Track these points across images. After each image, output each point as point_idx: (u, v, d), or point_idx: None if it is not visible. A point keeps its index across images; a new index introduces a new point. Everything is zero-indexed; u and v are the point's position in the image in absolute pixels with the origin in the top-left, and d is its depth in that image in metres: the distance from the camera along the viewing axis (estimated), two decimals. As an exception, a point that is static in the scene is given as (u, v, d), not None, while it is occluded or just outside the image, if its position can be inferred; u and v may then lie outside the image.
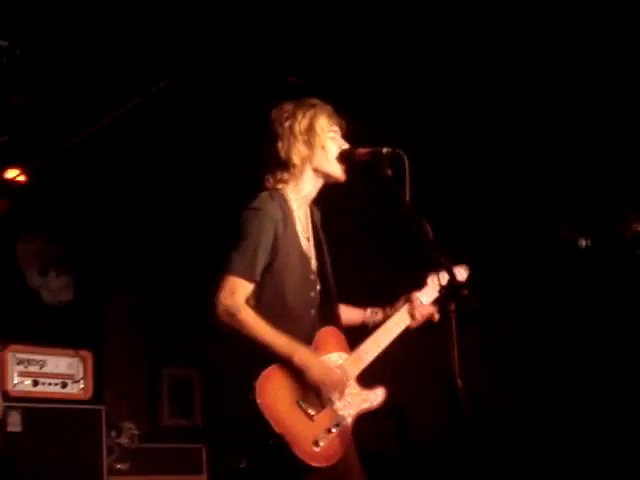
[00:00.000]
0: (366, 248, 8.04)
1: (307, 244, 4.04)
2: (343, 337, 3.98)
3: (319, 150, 4.00)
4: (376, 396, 3.96)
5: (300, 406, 3.70)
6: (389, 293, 4.26)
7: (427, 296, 4.18)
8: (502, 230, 7.59)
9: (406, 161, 3.71)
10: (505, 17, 5.80)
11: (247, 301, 3.79)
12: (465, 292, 3.46)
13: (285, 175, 4.00)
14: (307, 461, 3.61)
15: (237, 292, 3.76)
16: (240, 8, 5.55)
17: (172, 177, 7.58)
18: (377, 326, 4.13)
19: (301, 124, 3.99)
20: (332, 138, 4.04)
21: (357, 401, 3.89)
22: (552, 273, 7.23)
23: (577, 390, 7.36)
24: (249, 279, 3.80)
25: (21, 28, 5.62)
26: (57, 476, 6.46)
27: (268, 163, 4.03)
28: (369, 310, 4.25)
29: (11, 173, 7.40)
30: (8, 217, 7.84)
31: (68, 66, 6.03)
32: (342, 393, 3.81)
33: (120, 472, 7.06)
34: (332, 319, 4.01)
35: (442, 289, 3.51)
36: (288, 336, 3.73)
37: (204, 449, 7.50)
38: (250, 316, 3.74)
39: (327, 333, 3.93)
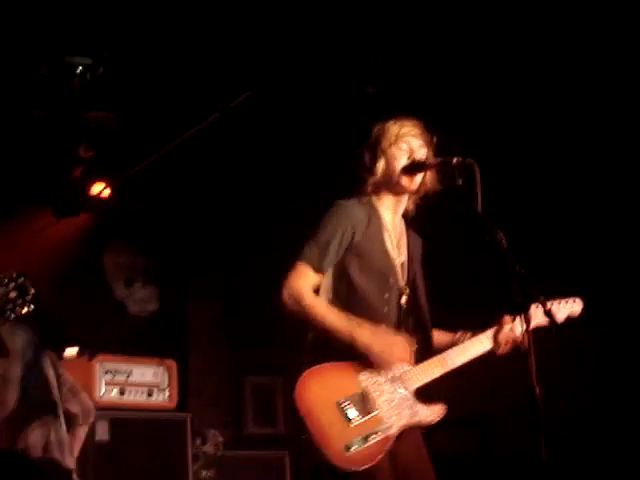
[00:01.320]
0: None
1: (396, 251, 4.05)
2: (410, 348, 3.91)
3: (390, 160, 4.00)
4: (431, 413, 3.87)
5: (340, 407, 3.68)
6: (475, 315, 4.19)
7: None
8: (581, 237, 7.50)
9: (477, 170, 3.70)
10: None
11: (319, 293, 3.85)
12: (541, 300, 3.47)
13: (373, 183, 4.03)
14: (334, 462, 3.60)
15: (302, 279, 3.83)
16: (314, 20, 5.61)
17: (253, 189, 7.66)
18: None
19: (387, 139, 3.99)
20: (403, 150, 4.01)
21: (408, 414, 3.81)
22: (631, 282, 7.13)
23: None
24: (316, 269, 3.85)
25: (104, 45, 5.75)
26: (144, 483, 6.56)
27: (361, 170, 4.06)
28: (459, 334, 4.14)
29: (97, 188, 7.54)
30: (95, 230, 7.99)
31: (149, 81, 6.15)
32: (403, 364, 3.80)
33: (206, 479, 7.15)
34: (410, 329, 3.99)
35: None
36: (350, 316, 3.76)
37: (287, 456, 7.55)
38: (315, 302, 3.81)
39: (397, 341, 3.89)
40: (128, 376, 6.94)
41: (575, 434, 7.34)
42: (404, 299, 4.01)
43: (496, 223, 3.58)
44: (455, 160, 3.81)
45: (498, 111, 6.86)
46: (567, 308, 4.15)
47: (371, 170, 4.02)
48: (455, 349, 3.99)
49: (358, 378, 3.79)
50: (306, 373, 3.74)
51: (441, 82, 6.44)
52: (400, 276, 4.02)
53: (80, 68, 5.70)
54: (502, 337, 4.00)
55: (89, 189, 7.53)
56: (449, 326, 4.19)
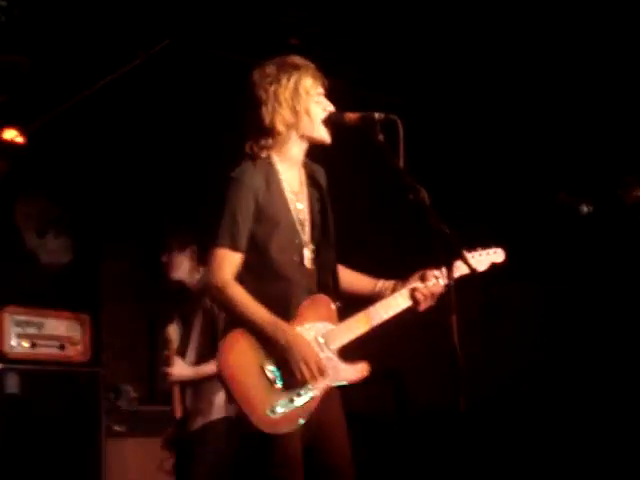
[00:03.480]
0: (365, 216, 8.01)
1: (299, 208, 3.95)
2: (333, 306, 3.86)
3: (304, 115, 3.87)
4: (355, 372, 3.82)
5: (263, 371, 3.64)
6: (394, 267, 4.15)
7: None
8: (502, 195, 7.55)
9: (400, 127, 3.62)
10: None
11: (238, 271, 3.77)
12: (465, 258, 3.44)
13: (270, 141, 3.88)
14: (259, 426, 3.56)
15: (225, 265, 3.73)
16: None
17: (170, 139, 7.54)
18: (376, 300, 3.95)
19: (286, 89, 3.84)
20: (317, 102, 3.91)
21: (332, 374, 3.75)
22: (553, 239, 7.20)
23: (576, 360, 7.35)
24: (234, 249, 3.75)
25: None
26: (55, 438, 6.47)
27: (251, 129, 3.91)
28: (381, 282, 4.06)
29: (9, 134, 7.35)
30: (6, 178, 7.80)
31: (67, 27, 5.99)
32: (321, 374, 3.68)
33: (118, 434, 7.08)
34: (326, 286, 3.92)
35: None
36: (272, 314, 3.68)
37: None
38: (237, 292, 3.70)
39: (315, 301, 3.85)
40: (40, 328, 6.85)
41: (493, 388, 7.42)
42: (311, 256, 3.92)
43: (418, 180, 3.52)
44: (377, 115, 3.73)
45: (419, 66, 6.83)
46: (489, 257, 4.11)
47: (271, 128, 3.85)
48: (378, 305, 3.90)
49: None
50: (227, 337, 3.68)
51: (364, 35, 6.36)
52: (305, 233, 3.93)
53: (-6, 9, 5.53)
54: (423, 292, 3.91)
55: (0, 135, 7.33)
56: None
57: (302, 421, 3.65)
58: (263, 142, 3.88)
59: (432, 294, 3.92)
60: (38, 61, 6.34)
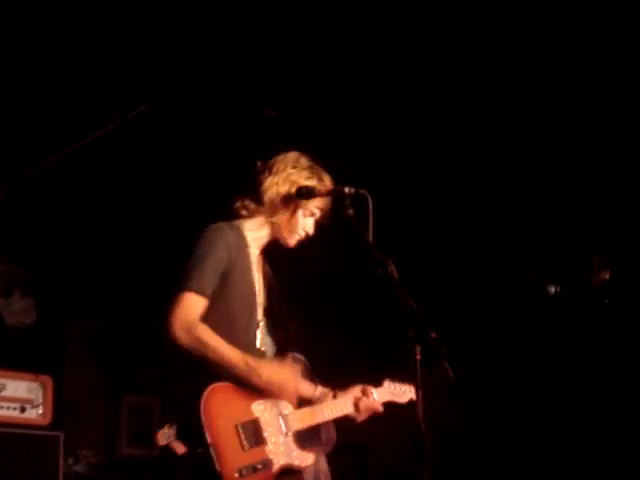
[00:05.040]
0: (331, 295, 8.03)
1: (258, 285, 4.02)
2: (296, 391, 3.96)
3: (289, 215, 3.98)
4: (305, 460, 3.90)
5: (237, 431, 3.66)
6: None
7: (381, 395, 4.27)
8: (471, 273, 7.58)
9: (370, 201, 3.67)
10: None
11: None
12: (433, 335, 3.45)
13: (252, 206, 3.99)
14: None
15: (192, 308, 3.73)
16: (218, 38, 5.55)
17: (137, 204, 7.53)
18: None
19: (293, 186, 3.95)
20: (307, 215, 4.02)
21: (287, 455, 3.81)
22: (520, 318, 7.23)
23: (541, 437, 7.35)
24: (203, 295, 3.76)
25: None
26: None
27: (244, 191, 4.03)
28: (319, 389, 4.21)
29: (-24, 195, 7.32)
30: (-27, 237, 7.76)
31: (41, 88, 5.99)
32: (288, 405, 3.85)
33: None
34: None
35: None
36: (245, 354, 3.73)
37: (161, 480, 7.41)
38: (207, 332, 3.71)
39: None
40: (1, 390, 6.74)
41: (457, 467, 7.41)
42: (261, 337, 3.97)
43: (387, 255, 3.55)
44: (347, 190, 3.78)
45: (392, 143, 6.89)
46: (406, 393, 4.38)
47: (259, 199, 3.98)
48: (325, 405, 4.11)
49: (253, 406, 3.77)
50: (211, 388, 3.66)
51: (337, 107, 6.42)
52: (259, 314, 3.99)
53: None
54: (366, 403, 4.17)
55: (-31, 195, 7.31)
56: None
57: None
58: (248, 204, 4.01)
59: (371, 409, 4.19)
60: (8, 122, 6.33)
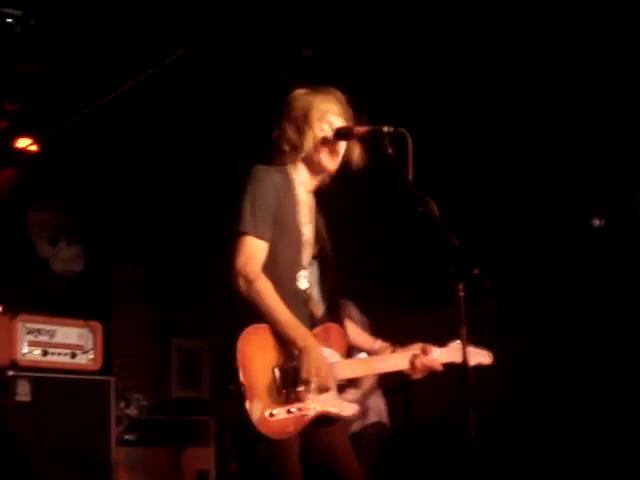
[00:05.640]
0: (373, 235, 8.02)
1: (305, 230, 3.98)
2: (345, 339, 3.95)
3: (308, 139, 3.93)
4: (346, 408, 3.89)
5: (274, 373, 3.66)
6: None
7: (444, 355, 4.05)
8: (515, 209, 7.53)
9: (409, 140, 3.62)
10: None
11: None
12: (476, 271, 3.44)
13: (286, 157, 3.97)
14: (255, 422, 3.58)
15: (254, 255, 3.75)
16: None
17: (183, 147, 7.55)
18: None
19: (307, 114, 3.92)
20: (324, 130, 3.95)
21: (327, 403, 3.80)
22: (565, 252, 7.19)
23: (588, 374, 7.32)
24: (262, 238, 3.77)
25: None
26: (65, 446, 6.47)
27: (275, 143, 4.00)
28: (379, 343, 4.15)
29: (23, 142, 7.37)
30: (19, 187, 7.83)
31: (81, 36, 6.00)
32: (325, 390, 3.75)
33: (128, 443, 7.09)
34: (332, 314, 3.98)
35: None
36: (297, 319, 3.73)
37: (212, 421, 7.51)
38: (266, 287, 3.72)
39: (332, 330, 3.92)
40: (51, 337, 6.85)
41: (503, 402, 7.43)
42: (306, 280, 3.94)
43: (428, 193, 3.53)
44: (386, 129, 3.73)
45: (430, 82, 6.82)
46: (477, 356, 4.13)
47: (293, 143, 3.94)
48: (380, 358, 4.03)
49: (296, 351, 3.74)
50: (250, 328, 3.68)
51: (376, 49, 6.36)
52: (305, 256, 3.96)
53: (10, 19, 5.54)
54: (423, 361, 4.00)
55: (14, 143, 7.35)
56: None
57: (293, 432, 3.68)
58: (281, 156, 3.98)
59: (429, 367, 4.01)
60: (52, 70, 6.36)
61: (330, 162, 3.97)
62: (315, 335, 3.80)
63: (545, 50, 6.30)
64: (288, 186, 3.93)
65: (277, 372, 3.66)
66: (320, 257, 4.03)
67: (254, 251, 3.75)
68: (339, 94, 4.04)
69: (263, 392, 3.62)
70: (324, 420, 3.81)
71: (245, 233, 3.76)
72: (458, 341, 3.62)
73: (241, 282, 3.71)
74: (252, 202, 3.80)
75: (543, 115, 6.99)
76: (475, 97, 6.92)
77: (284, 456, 3.67)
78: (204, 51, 6.13)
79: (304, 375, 3.67)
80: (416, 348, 4.04)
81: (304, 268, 3.93)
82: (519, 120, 7.07)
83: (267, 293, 3.71)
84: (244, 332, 3.65)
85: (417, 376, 4.02)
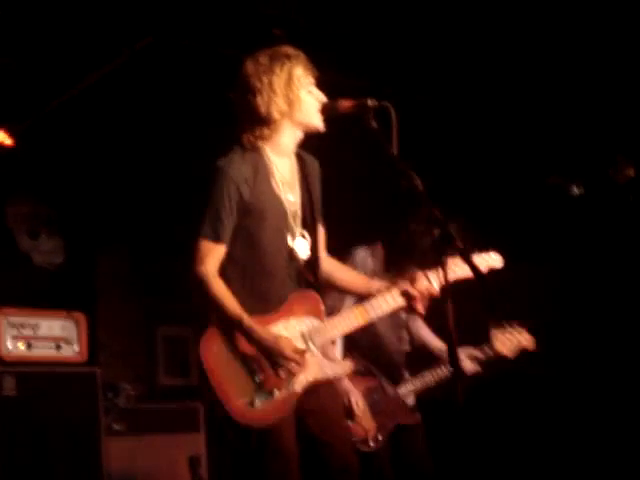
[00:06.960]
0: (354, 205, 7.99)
1: (290, 199, 3.95)
2: (320, 302, 3.89)
3: (298, 103, 3.89)
4: (338, 367, 3.90)
5: (245, 360, 3.66)
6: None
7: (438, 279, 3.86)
8: (493, 177, 7.53)
9: (393, 113, 3.61)
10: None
11: (222, 264, 3.79)
12: (459, 245, 3.41)
13: (265, 131, 3.90)
14: (236, 417, 3.58)
15: (207, 257, 3.77)
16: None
17: (158, 134, 7.51)
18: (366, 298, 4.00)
19: (280, 78, 3.85)
20: (309, 91, 3.93)
21: (314, 370, 3.77)
22: (544, 220, 7.18)
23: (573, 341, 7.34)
24: (216, 241, 3.78)
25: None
26: (54, 439, 6.46)
27: (245, 119, 3.93)
28: (375, 282, 4.10)
29: (-3, 136, 7.32)
30: (-4, 181, 7.78)
31: (50, 26, 5.96)
32: (300, 363, 3.69)
33: (117, 432, 7.06)
34: (314, 279, 3.96)
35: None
36: (246, 311, 3.69)
37: (200, 407, 7.49)
38: (216, 286, 3.73)
39: (302, 296, 3.88)
40: (35, 330, 6.81)
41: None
42: (302, 247, 3.93)
43: (412, 167, 3.51)
44: (370, 102, 3.72)
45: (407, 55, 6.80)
46: (486, 261, 4.07)
47: (266, 117, 3.87)
48: (373, 301, 3.94)
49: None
50: (210, 330, 3.71)
51: (349, 24, 6.33)
52: (297, 224, 3.94)
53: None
54: (413, 293, 3.92)
55: (-12, 138, 7.30)
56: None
57: (282, 416, 3.65)
58: (258, 132, 3.89)
59: (422, 295, 3.92)
60: (22, 61, 6.31)
61: (321, 122, 3.94)
62: (288, 305, 3.80)
63: (521, 19, 6.29)
64: (259, 165, 3.88)
65: (244, 360, 3.66)
66: (308, 219, 3.99)
67: (207, 253, 3.77)
68: (300, 53, 4.00)
69: (234, 387, 3.62)
70: (317, 387, 3.79)
71: (200, 237, 3.80)
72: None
73: (194, 284, 3.76)
74: (209, 204, 3.81)
75: (520, 84, 6.98)
76: (453, 68, 6.90)
77: (278, 440, 3.65)
78: (173, 36, 6.10)
79: (269, 369, 3.66)
80: (405, 280, 3.97)
81: (301, 236, 3.93)
82: (497, 90, 7.06)
83: (217, 292, 3.72)
84: (205, 333, 3.69)
85: (419, 307, 3.95)
